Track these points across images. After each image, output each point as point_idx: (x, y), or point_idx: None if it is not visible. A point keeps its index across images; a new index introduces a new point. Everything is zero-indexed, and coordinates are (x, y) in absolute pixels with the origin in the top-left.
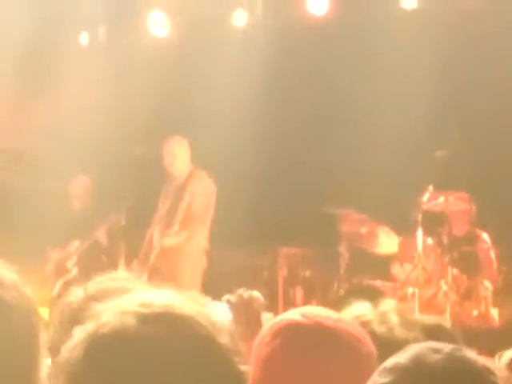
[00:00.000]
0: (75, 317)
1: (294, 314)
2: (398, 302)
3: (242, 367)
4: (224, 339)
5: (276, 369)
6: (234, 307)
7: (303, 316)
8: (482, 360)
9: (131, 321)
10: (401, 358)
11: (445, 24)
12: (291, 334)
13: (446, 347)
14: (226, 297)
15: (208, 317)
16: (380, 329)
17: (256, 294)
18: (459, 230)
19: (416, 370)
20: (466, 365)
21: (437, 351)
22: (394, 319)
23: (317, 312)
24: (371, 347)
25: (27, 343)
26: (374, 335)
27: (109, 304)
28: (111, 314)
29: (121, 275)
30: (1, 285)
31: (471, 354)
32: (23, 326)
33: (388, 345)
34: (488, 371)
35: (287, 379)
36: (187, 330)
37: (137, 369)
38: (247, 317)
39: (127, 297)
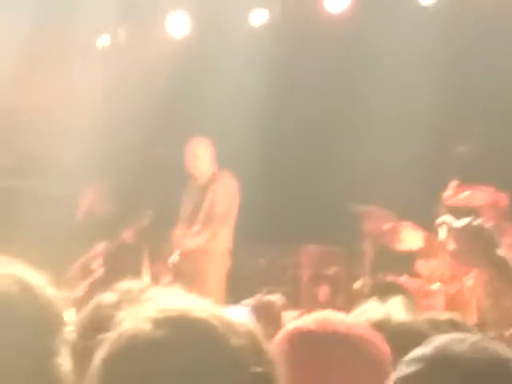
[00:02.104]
0: (100, 324)
1: (306, 321)
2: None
3: (264, 367)
4: (240, 341)
5: (290, 378)
6: (253, 311)
7: (316, 323)
8: (506, 350)
9: (146, 326)
10: (426, 349)
11: (466, 17)
12: (304, 342)
13: (470, 338)
14: (246, 301)
15: (223, 319)
16: (389, 320)
17: (275, 296)
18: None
19: (442, 360)
20: (491, 354)
21: (461, 341)
22: (401, 312)
23: (330, 318)
24: (386, 351)
25: (36, 348)
26: (380, 327)
27: (129, 311)
28: (129, 322)
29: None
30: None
31: (495, 343)
32: (32, 333)
33: (396, 334)
34: None
35: None
36: (199, 332)
37: (150, 374)
38: (268, 320)
39: (147, 304)
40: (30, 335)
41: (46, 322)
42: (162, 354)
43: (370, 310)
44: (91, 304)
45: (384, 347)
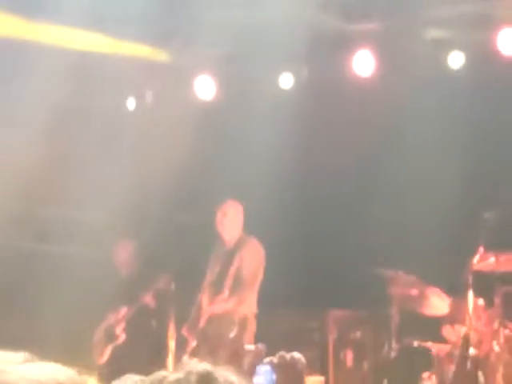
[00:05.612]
0: None
1: None
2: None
3: None
4: None
5: None
6: (276, 368)
7: None
8: None
9: None
10: None
11: (491, 83)
12: None
13: None
14: (269, 358)
15: None
16: None
17: (298, 355)
18: None
19: None
20: None
21: None
22: None
23: None
24: None
25: None
26: None
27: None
28: None
29: None
30: None
31: None
32: None
33: None
34: None
35: None
36: None
37: None
38: (290, 378)
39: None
40: None
41: None
42: None
43: None
44: None
45: None
